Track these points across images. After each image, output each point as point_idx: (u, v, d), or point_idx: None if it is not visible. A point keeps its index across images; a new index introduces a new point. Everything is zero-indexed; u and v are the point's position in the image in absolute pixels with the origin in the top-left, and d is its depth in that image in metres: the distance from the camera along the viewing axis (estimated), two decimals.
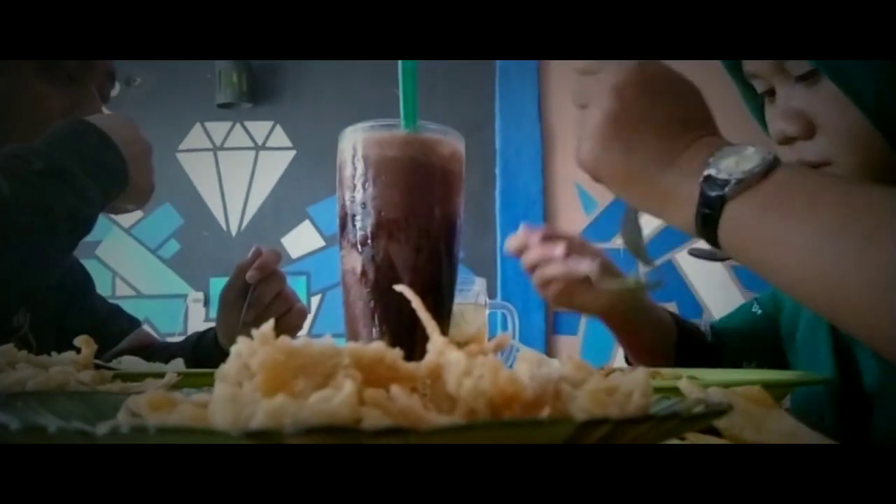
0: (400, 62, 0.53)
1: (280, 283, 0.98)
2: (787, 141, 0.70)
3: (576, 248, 0.89)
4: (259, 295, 0.96)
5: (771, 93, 0.72)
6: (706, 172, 0.52)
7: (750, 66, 0.73)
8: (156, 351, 1.06)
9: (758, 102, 0.76)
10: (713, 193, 0.51)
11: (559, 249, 0.88)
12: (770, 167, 0.50)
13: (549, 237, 0.90)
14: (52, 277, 0.80)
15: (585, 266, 0.78)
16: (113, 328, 1.10)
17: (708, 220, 0.52)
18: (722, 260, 0.66)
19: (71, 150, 0.75)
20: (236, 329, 0.95)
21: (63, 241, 0.75)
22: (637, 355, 0.97)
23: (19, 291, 0.72)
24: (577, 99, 0.61)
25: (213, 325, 1.07)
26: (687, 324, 0.99)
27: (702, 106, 0.59)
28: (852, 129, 0.64)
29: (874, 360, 0.75)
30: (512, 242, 0.93)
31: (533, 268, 0.91)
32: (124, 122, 0.83)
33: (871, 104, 0.63)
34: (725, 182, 0.51)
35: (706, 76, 0.76)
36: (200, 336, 1.06)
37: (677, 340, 0.95)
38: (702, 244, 0.57)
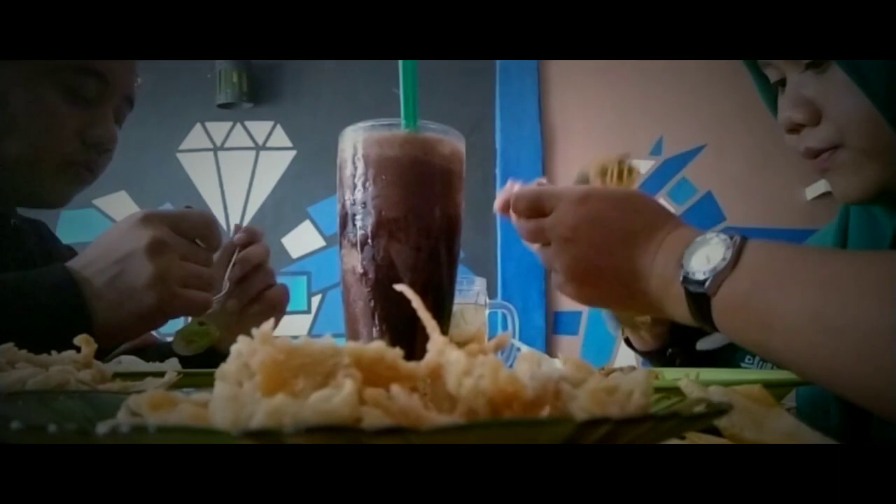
0: (400, 62, 0.53)
1: (264, 253, 0.97)
2: (794, 128, 0.71)
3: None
4: (245, 255, 0.95)
5: (783, 82, 0.73)
6: (682, 275, 0.56)
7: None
8: (156, 350, 1.06)
9: (772, 93, 0.77)
10: (696, 292, 0.55)
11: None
12: (738, 251, 0.54)
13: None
14: None
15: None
16: None
17: (702, 315, 0.56)
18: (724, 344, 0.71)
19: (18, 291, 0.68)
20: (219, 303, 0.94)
21: None
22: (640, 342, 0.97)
23: None
24: (532, 239, 0.66)
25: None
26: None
27: (651, 206, 0.63)
28: (858, 115, 0.66)
29: None
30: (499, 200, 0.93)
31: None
32: (133, 270, 0.72)
33: (878, 91, 0.63)
34: (703, 281, 0.54)
35: (723, 68, 0.77)
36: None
37: (672, 325, 0.94)
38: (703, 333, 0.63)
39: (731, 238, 0.55)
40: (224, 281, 0.92)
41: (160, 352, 1.01)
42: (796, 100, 0.70)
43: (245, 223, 2.43)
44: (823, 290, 0.48)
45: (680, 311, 0.58)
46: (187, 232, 0.76)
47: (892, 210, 0.71)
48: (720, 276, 0.53)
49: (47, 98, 0.87)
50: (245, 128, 2.49)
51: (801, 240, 0.93)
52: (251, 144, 2.48)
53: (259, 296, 0.96)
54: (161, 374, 0.49)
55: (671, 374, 0.74)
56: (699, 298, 0.55)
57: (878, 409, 0.48)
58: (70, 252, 1.11)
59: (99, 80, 0.90)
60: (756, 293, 0.52)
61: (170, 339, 0.92)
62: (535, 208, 0.65)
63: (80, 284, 0.71)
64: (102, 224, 2.38)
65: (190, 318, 0.85)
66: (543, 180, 0.83)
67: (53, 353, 0.49)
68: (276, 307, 0.98)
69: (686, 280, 0.55)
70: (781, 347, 0.51)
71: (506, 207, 0.85)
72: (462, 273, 0.60)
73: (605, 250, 0.62)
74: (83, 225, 2.34)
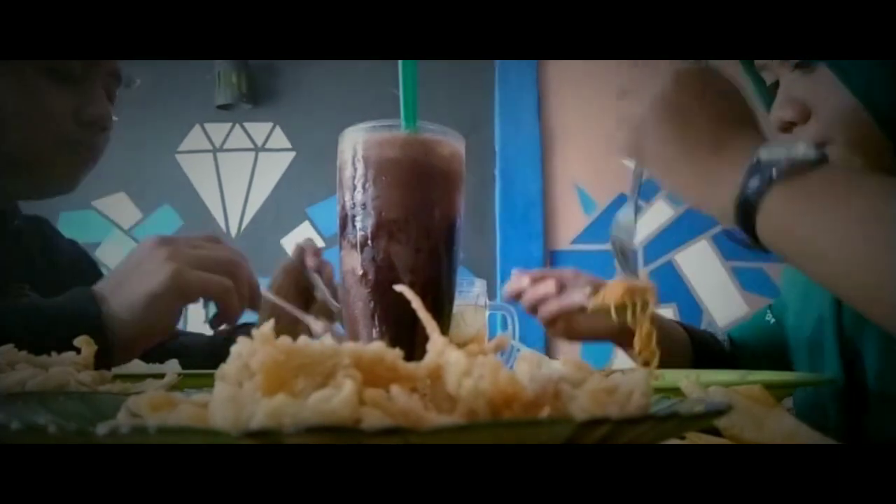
0: (400, 62, 0.53)
1: (331, 268, 0.99)
2: (786, 127, 0.73)
3: (568, 280, 0.90)
4: (326, 276, 0.96)
5: (777, 84, 0.75)
6: (756, 157, 0.53)
7: None
8: (183, 344, 1.05)
9: (769, 97, 0.78)
10: (759, 178, 0.52)
11: (549, 287, 0.89)
12: (818, 160, 0.51)
13: (541, 277, 0.92)
14: None
15: (577, 296, 0.79)
16: None
17: (748, 205, 0.53)
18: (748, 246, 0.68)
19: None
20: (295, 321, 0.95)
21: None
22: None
23: None
24: (621, 86, 0.64)
25: (241, 322, 1.06)
26: (701, 336, 0.98)
27: (752, 113, 0.60)
28: (844, 111, 0.68)
29: (880, 361, 0.75)
30: (509, 288, 0.96)
31: (533, 309, 0.92)
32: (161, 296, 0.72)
33: (861, 88, 0.66)
34: (774, 164, 0.51)
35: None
36: (239, 328, 1.04)
37: (693, 355, 0.95)
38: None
39: (818, 150, 0.53)
40: (315, 307, 0.93)
41: (195, 347, 1.01)
42: (787, 99, 0.72)
43: (245, 225, 2.43)
44: (879, 204, 0.48)
45: (719, 199, 0.55)
46: (196, 238, 0.80)
47: None
48: (794, 169, 0.51)
49: (35, 83, 0.86)
50: (244, 129, 2.49)
51: None
52: (250, 145, 2.48)
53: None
54: (161, 376, 0.49)
55: (671, 375, 0.74)
56: (757, 186, 0.52)
57: None
58: (73, 246, 1.11)
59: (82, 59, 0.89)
60: (817, 197, 0.51)
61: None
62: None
63: (97, 296, 0.72)
64: (102, 225, 2.38)
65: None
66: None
67: (53, 354, 0.49)
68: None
69: (756, 165, 0.53)
70: (829, 252, 0.50)
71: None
72: (462, 274, 0.60)
73: (700, 105, 0.59)
74: (82, 226, 2.34)
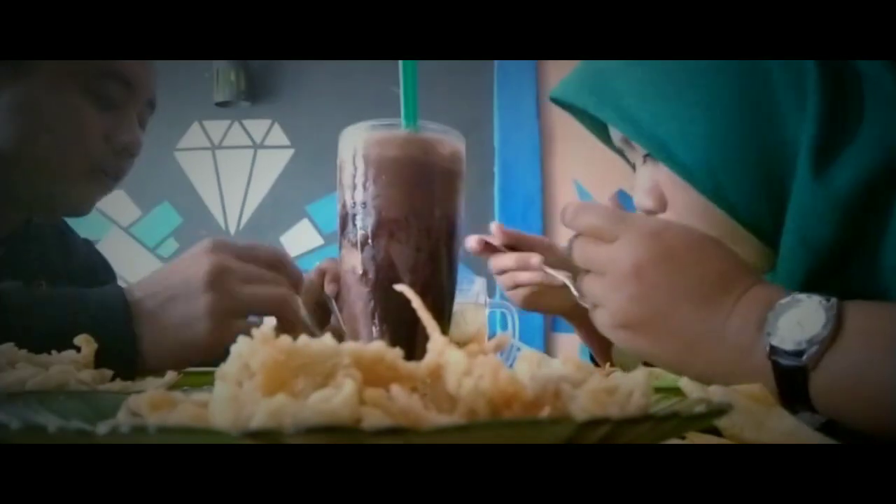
0: (400, 62, 0.53)
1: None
2: (649, 213, 0.69)
3: (539, 250, 0.89)
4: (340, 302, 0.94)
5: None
6: (770, 343, 0.47)
7: (615, 140, 0.73)
8: None
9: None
10: (791, 365, 0.46)
11: (509, 261, 0.89)
12: (839, 316, 0.46)
13: (514, 242, 0.91)
14: None
15: (561, 278, 0.78)
16: None
17: (794, 394, 0.47)
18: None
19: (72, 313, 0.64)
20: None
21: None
22: (602, 353, 0.97)
23: None
24: (585, 291, 0.56)
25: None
26: None
27: (731, 256, 0.54)
28: (693, 205, 0.63)
29: None
30: (474, 244, 0.93)
31: (502, 271, 0.92)
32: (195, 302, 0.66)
33: (706, 184, 0.61)
34: (798, 353, 0.46)
35: None
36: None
37: None
38: None
39: (828, 300, 0.47)
40: (337, 329, 0.92)
41: None
42: (646, 186, 0.68)
43: (243, 222, 2.43)
44: None
45: (759, 374, 0.47)
46: (256, 262, 0.70)
47: None
48: (822, 345, 0.45)
49: (74, 103, 0.87)
50: (243, 126, 2.49)
51: None
52: (249, 143, 2.48)
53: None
54: (161, 374, 0.49)
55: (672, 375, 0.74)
56: (794, 374, 0.46)
57: None
58: (87, 246, 1.12)
59: (123, 85, 0.90)
60: (868, 363, 0.45)
61: None
62: (596, 230, 0.56)
63: (130, 306, 0.66)
64: (100, 223, 2.38)
65: None
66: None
67: (54, 353, 0.49)
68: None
69: (774, 352, 0.47)
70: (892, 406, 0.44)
71: (487, 248, 0.86)
72: (462, 273, 0.60)
73: (673, 296, 0.52)
74: (81, 224, 2.33)
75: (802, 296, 0.47)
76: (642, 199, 0.69)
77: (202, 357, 0.67)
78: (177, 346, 0.65)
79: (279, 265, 0.71)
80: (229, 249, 0.69)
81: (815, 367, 0.45)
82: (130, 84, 0.91)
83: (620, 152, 0.76)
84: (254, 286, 0.68)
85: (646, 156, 0.67)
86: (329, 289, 0.95)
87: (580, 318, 0.94)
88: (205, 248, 0.68)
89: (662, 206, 0.67)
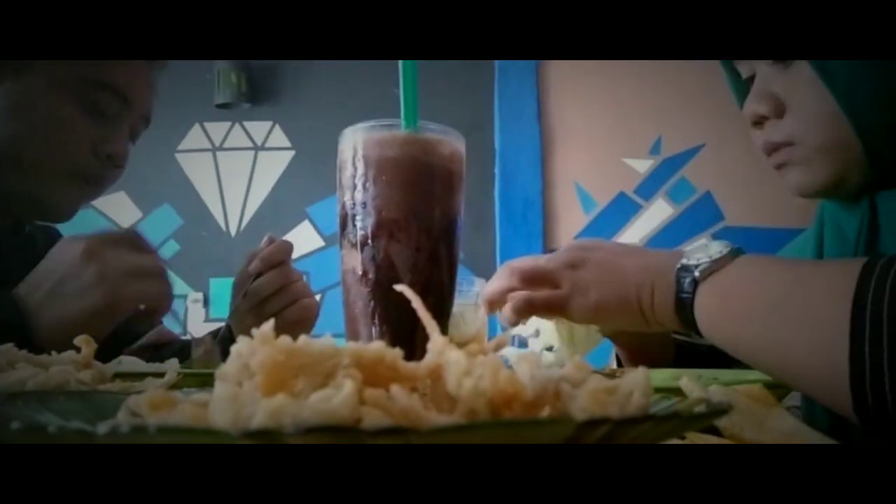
0: (400, 62, 0.53)
1: (283, 278, 0.96)
2: (758, 121, 0.72)
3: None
4: (259, 285, 0.95)
5: (753, 78, 0.74)
6: (680, 262, 0.60)
7: None
8: (176, 348, 1.06)
9: (743, 90, 0.78)
10: (687, 278, 0.59)
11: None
12: (733, 254, 0.58)
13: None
14: None
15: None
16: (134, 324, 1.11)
17: (683, 304, 0.59)
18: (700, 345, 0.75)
19: None
20: (242, 317, 0.96)
21: None
22: (632, 360, 0.97)
23: None
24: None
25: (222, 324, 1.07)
26: (683, 335, 0.98)
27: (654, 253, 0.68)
28: (821, 110, 0.66)
29: None
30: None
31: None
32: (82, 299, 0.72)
33: (842, 87, 0.65)
34: (696, 266, 0.59)
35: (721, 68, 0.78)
36: (217, 331, 1.06)
37: (675, 349, 0.95)
38: None
39: (730, 245, 0.59)
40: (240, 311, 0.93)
41: (172, 350, 1.01)
42: (762, 93, 0.71)
43: (244, 224, 2.43)
44: (787, 290, 0.52)
45: (663, 307, 0.62)
46: (114, 243, 0.77)
47: (852, 213, 0.72)
48: (711, 267, 0.58)
49: (67, 111, 0.88)
50: (244, 128, 2.49)
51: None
52: (250, 144, 2.48)
53: (279, 313, 0.95)
54: (161, 375, 0.49)
55: (666, 374, 0.74)
56: (687, 287, 0.59)
57: (824, 400, 0.52)
58: None
59: (119, 98, 0.91)
60: (737, 288, 0.56)
61: (186, 337, 0.92)
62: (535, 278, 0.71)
63: (22, 302, 0.72)
64: (101, 224, 2.38)
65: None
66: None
67: (53, 353, 0.49)
68: (301, 324, 0.97)
69: (682, 269, 0.60)
70: (752, 338, 0.55)
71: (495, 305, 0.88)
72: (462, 274, 0.60)
73: (620, 253, 0.68)
74: (82, 226, 2.33)
75: (715, 242, 0.60)
76: (757, 106, 0.71)
77: (106, 323, 0.74)
78: (78, 319, 0.71)
79: (136, 242, 0.78)
80: (91, 235, 0.76)
81: (703, 280, 0.58)
82: (126, 98, 0.92)
83: (730, 66, 0.79)
84: (128, 254, 0.76)
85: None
86: (253, 266, 0.95)
87: (621, 339, 0.95)
88: (70, 239, 0.76)
89: (778, 111, 0.70)
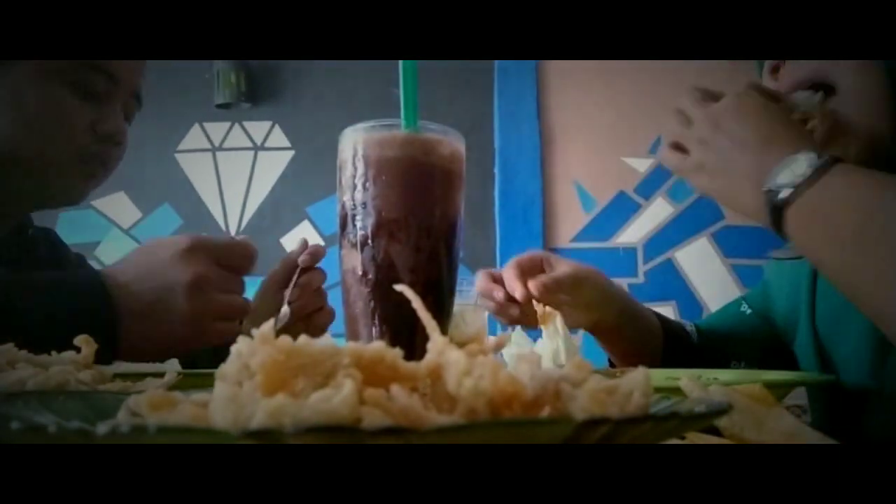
0: (400, 62, 0.53)
1: (323, 278, 1.01)
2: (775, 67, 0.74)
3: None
4: (307, 279, 0.98)
5: None
6: (765, 188, 0.61)
7: None
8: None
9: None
10: (773, 202, 0.60)
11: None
12: (821, 168, 0.58)
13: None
14: None
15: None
16: None
17: (776, 223, 0.61)
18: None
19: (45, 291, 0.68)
20: (273, 316, 0.96)
21: None
22: (622, 360, 0.97)
23: None
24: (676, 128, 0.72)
25: None
26: (672, 325, 0.99)
27: (786, 124, 0.66)
28: (868, 88, 0.68)
29: (850, 361, 0.76)
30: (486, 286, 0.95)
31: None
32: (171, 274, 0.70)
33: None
34: (780, 190, 0.59)
35: (721, 67, 0.78)
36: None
37: (664, 344, 0.95)
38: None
39: (819, 158, 0.59)
40: (284, 307, 0.94)
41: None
42: (809, 73, 0.71)
43: (244, 224, 2.43)
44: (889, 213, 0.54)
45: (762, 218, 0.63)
46: (230, 264, 0.75)
47: None
48: (797, 191, 0.58)
49: (58, 95, 0.88)
50: (243, 128, 2.49)
51: None
52: (249, 145, 2.48)
53: (308, 316, 0.98)
54: (161, 375, 0.49)
55: (667, 374, 0.74)
56: (775, 209, 0.60)
57: None
58: (79, 259, 1.12)
59: (107, 78, 0.91)
60: (828, 208, 0.58)
61: None
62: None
63: (113, 299, 0.69)
64: (101, 225, 2.38)
65: None
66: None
67: (53, 353, 0.49)
68: (321, 329, 1.01)
69: (768, 193, 0.60)
70: (839, 262, 0.57)
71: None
72: (462, 273, 0.60)
73: (736, 137, 0.66)
74: (82, 226, 2.34)
75: (802, 152, 0.60)
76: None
77: (174, 355, 0.70)
78: (154, 345, 0.70)
79: (247, 262, 0.77)
80: (208, 251, 0.73)
81: (788, 205, 0.59)
82: (114, 77, 0.92)
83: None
84: (229, 296, 0.74)
85: None
86: (304, 259, 0.98)
87: (602, 329, 0.95)
88: (185, 252, 0.72)
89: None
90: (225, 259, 0.74)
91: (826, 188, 0.58)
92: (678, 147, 0.72)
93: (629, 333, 0.94)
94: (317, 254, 1.00)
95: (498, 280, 0.92)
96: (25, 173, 0.89)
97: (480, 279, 0.93)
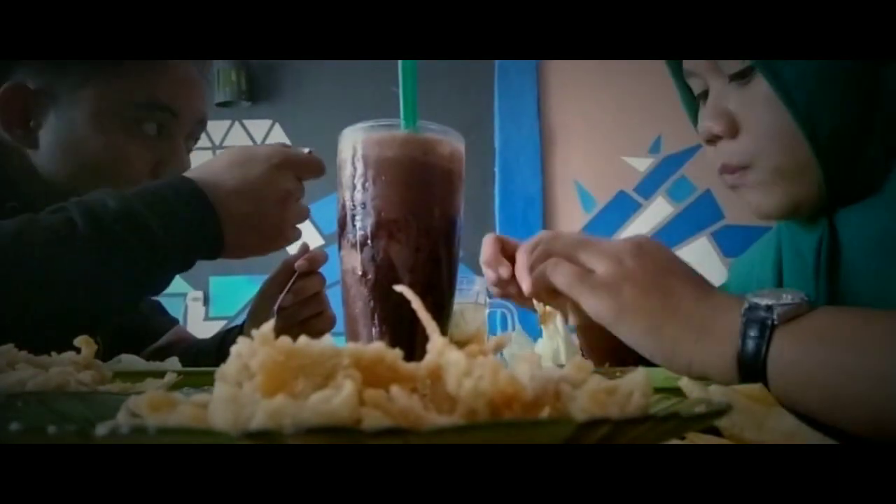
0: (400, 62, 0.53)
1: (321, 283, 1.00)
2: (712, 139, 0.69)
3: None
4: (302, 285, 0.98)
5: (706, 94, 0.71)
6: (750, 301, 0.51)
7: (688, 65, 0.73)
8: (188, 347, 1.07)
9: (694, 105, 0.76)
10: (758, 327, 0.50)
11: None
12: (811, 304, 0.50)
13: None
14: (107, 321, 0.78)
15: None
16: (155, 324, 1.12)
17: (753, 353, 0.50)
18: None
19: (152, 203, 0.72)
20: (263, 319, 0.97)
21: (125, 292, 0.74)
22: (615, 362, 0.96)
23: (70, 327, 0.59)
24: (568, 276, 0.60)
25: (231, 325, 1.08)
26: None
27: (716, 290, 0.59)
28: (778, 129, 0.64)
29: None
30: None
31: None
32: (244, 179, 0.77)
33: (801, 105, 0.62)
34: (770, 308, 0.50)
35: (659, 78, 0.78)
36: (227, 332, 1.06)
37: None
38: None
39: (805, 296, 0.52)
40: (273, 309, 0.94)
41: (188, 350, 1.02)
42: (717, 111, 0.68)
43: None
44: (888, 340, 0.47)
45: (718, 348, 0.52)
46: (307, 176, 0.84)
47: (810, 233, 0.70)
48: (792, 311, 0.50)
49: (116, 139, 0.87)
50: (244, 126, 2.49)
51: None
52: (250, 143, 2.48)
53: (305, 321, 0.98)
54: (161, 375, 0.49)
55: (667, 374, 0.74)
56: (760, 331, 0.50)
57: None
58: None
59: (166, 113, 0.90)
60: (826, 337, 0.49)
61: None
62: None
63: (216, 210, 0.76)
64: None
65: None
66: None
67: (53, 354, 0.49)
68: (319, 335, 1.00)
69: (751, 308, 0.51)
70: (838, 389, 0.48)
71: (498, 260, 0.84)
72: (462, 273, 0.60)
73: (675, 261, 0.60)
74: None
75: (786, 290, 0.52)
76: (711, 125, 0.68)
77: (263, 252, 0.83)
78: (249, 243, 0.80)
79: (319, 172, 0.86)
80: (292, 167, 0.81)
81: (781, 325, 0.49)
82: (173, 111, 0.91)
83: (681, 81, 0.76)
84: (304, 205, 0.85)
85: (735, 75, 0.67)
86: (300, 264, 0.99)
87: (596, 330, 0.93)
88: (276, 167, 0.79)
89: (732, 131, 0.67)
90: (303, 172, 0.83)
91: (823, 312, 0.51)
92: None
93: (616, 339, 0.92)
94: (315, 259, 0.99)
95: (507, 253, 0.87)
96: None
97: (488, 244, 0.86)
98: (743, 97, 0.67)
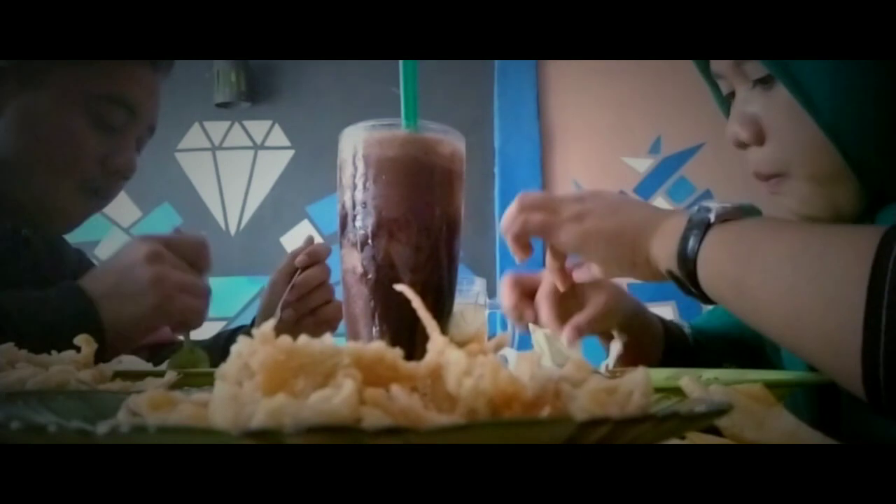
0: (400, 62, 0.53)
1: (325, 274, 1.02)
2: (740, 145, 0.69)
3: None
4: (305, 278, 1.00)
5: (734, 94, 0.70)
6: (700, 205, 0.59)
7: (714, 66, 0.71)
8: (174, 349, 1.07)
9: (725, 105, 0.75)
10: (697, 231, 0.58)
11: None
12: (748, 212, 0.58)
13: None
14: None
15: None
16: None
17: (687, 254, 0.58)
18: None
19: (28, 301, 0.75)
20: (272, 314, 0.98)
21: None
22: (627, 363, 0.96)
23: None
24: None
25: (237, 326, 1.09)
26: (673, 330, 0.98)
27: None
28: (804, 137, 0.62)
29: None
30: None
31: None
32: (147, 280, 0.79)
33: (824, 112, 0.61)
34: (710, 210, 0.58)
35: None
36: (234, 332, 1.07)
37: (665, 346, 0.94)
38: None
39: (746, 203, 0.59)
40: (277, 308, 0.96)
41: (171, 351, 1.02)
42: (743, 116, 0.67)
43: (244, 223, 2.43)
44: (802, 240, 0.51)
45: (664, 249, 0.62)
46: (180, 251, 0.84)
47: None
48: (727, 213, 0.57)
49: (75, 124, 0.90)
50: (243, 127, 2.48)
51: None
52: (249, 144, 2.47)
53: (314, 311, 1.00)
54: (161, 374, 0.49)
55: (667, 374, 0.74)
56: (698, 225, 0.58)
57: (834, 371, 0.50)
58: (79, 255, 1.13)
59: (126, 111, 0.93)
60: (748, 237, 0.55)
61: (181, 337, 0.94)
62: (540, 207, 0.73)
63: (88, 293, 0.77)
64: (101, 224, 2.38)
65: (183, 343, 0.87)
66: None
67: (53, 353, 0.49)
68: (329, 323, 1.03)
69: (699, 210, 0.59)
70: (758, 289, 0.53)
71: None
72: (462, 273, 0.60)
73: (629, 200, 0.72)
74: (82, 226, 2.33)
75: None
76: (737, 130, 0.67)
77: (151, 328, 0.82)
78: (130, 319, 0.79)
79: (198, 253, 0.86)
80: (157, 239, 0.83)
81: (717, 223, 0.57)
82: (133, 110, 0.93)
83: (712, 80, 0.75)
84: (185, 266, 0.83)
85: (758, 80, 0.65)
86: (300, 260, 1.01)
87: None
88: (136, 240, 0.83)
89: (758, 138, 0.67)
90: (173, 246, 0.83)
91: (756, 219, 0.58)
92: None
93: (636, 343, 0.93)
94: (315, 253, 1.01)
95: (526, 292, 0.87)
96: (28, 192, 0.90)
97: (508, 288, 0.85)
98: (767, 103, 0.65)
